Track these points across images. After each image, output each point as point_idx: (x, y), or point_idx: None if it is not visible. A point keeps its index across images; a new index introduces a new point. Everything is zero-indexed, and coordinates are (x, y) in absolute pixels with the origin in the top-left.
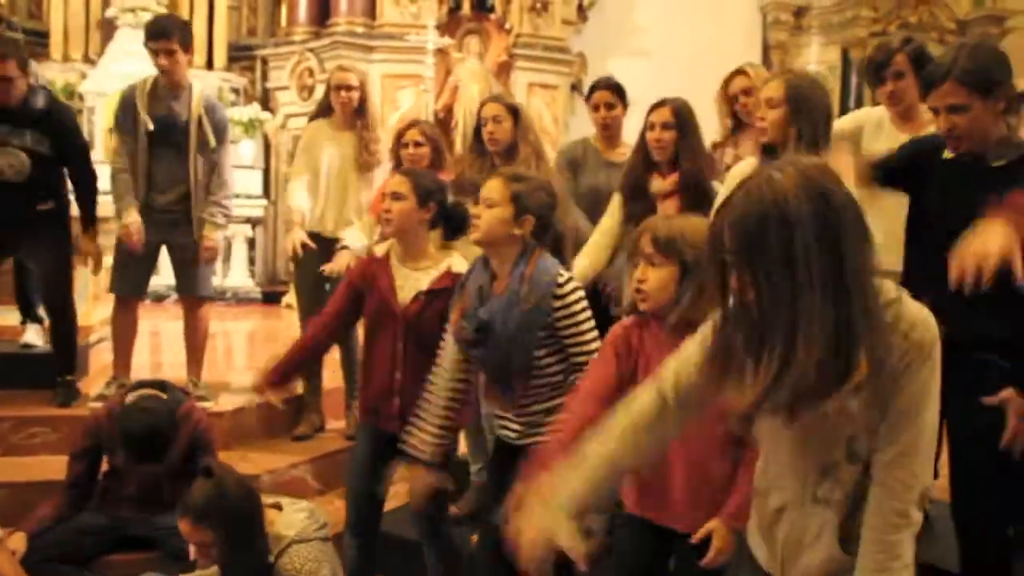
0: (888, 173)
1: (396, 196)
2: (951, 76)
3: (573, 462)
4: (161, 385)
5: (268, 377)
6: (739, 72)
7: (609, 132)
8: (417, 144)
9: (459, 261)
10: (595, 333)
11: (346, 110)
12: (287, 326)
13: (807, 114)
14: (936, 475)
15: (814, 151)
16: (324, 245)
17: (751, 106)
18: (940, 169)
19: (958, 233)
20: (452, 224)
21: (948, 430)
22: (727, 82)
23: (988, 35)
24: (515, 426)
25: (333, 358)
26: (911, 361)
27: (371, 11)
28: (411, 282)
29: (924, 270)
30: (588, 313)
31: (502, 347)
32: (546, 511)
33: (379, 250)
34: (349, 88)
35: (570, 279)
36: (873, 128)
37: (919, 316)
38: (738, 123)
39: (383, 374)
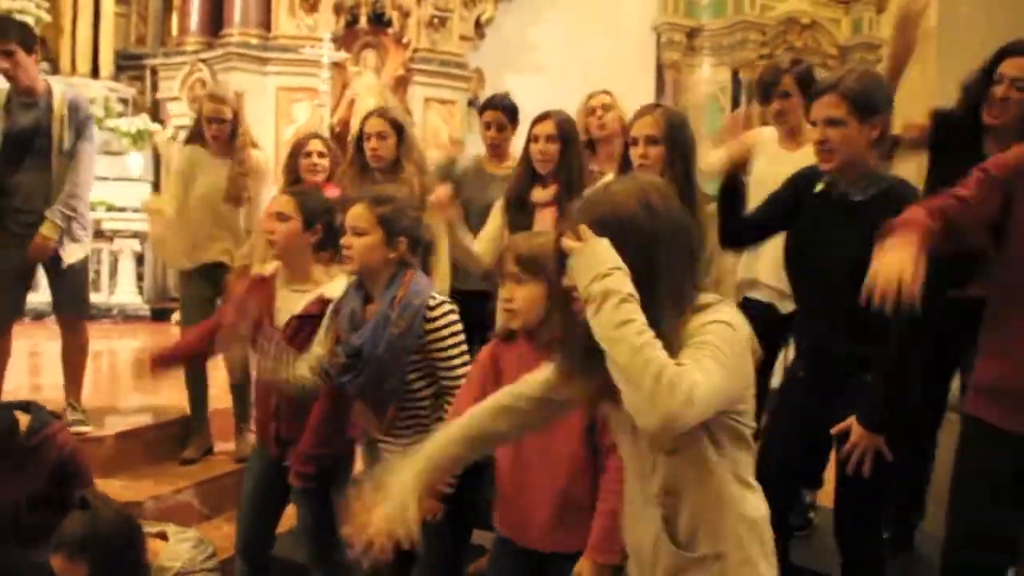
0: (759, 229)
1: (281, 217)
2: (835, 90)
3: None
4: (25, 406)
5: (151, 360)
6: (600, 92)
7: (498, 151)
8: (320, 155)
9: (334, 287)
10: (465, 358)
11: (219, 142)
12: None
13: (681, 149)
14: (820, 483)
15: (688, 186)
16: (207, 270)
17: (606, 121)
18: (810, 202)
19: (824, 264)
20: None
21: (835, 444)
22: (587, 98)
23: (865, 60)
24: (394, 449)
25: (221, 377)
26: (697, 336)
27: (266, 22)
28: (289, 305)
29: (800, 293)
30: (459, 337)
31: (373, 371)
32: (391, 499)
33: (267, 269)
34: (221, 121)
35: (442, 303)
36: (762, 144)
37: (715, 319)
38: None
39: (264, 398)
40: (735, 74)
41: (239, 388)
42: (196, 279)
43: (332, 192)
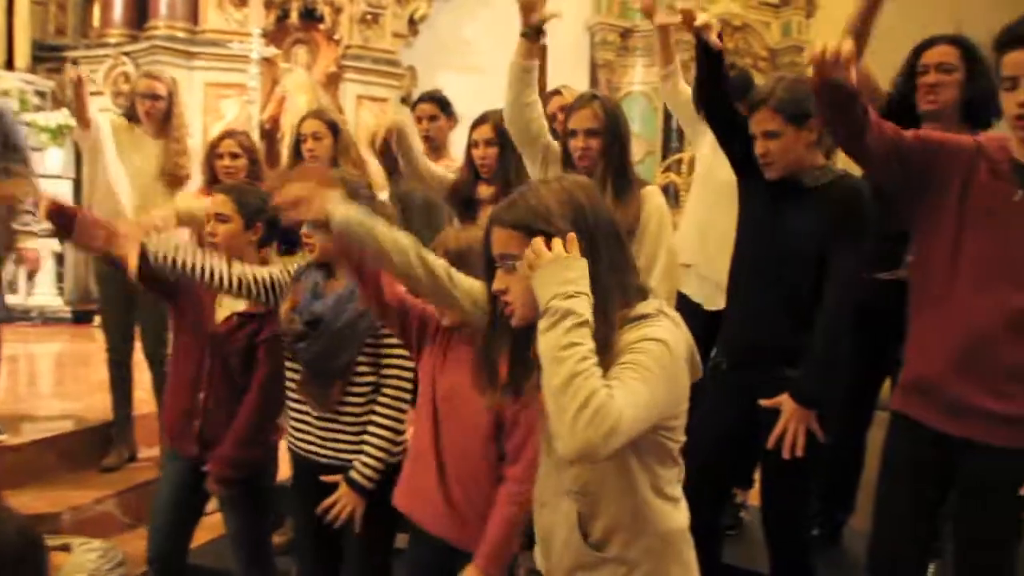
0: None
1: (220, 218)
2: (767, 104)
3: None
4: None
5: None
6: (555, 92)
7: (433, 144)
8: (233, 156)
9: None
10: (408, 363)
11: (152, 119)
12: (100, 348)
13: (620, 139)
14: (751, 483)
15: (625, 175)
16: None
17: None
18: (764, 188)
19: (777, 248)
20: (286, 239)
21: (757, 441)
22: (544, 102)
23: (794, 63)
24: (315, 437)
25: (146, 379)
26: (627, 351)
27: (193, 16)
28: (230, 301)
29: (737, 283)
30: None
31: (328, 343)
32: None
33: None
34: (156, 97)
35: None
36: (707, 145)
37: (660, 330)
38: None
39: (186, 394)
40: None
41: (163, 387)
42: (115, 278)
43: None
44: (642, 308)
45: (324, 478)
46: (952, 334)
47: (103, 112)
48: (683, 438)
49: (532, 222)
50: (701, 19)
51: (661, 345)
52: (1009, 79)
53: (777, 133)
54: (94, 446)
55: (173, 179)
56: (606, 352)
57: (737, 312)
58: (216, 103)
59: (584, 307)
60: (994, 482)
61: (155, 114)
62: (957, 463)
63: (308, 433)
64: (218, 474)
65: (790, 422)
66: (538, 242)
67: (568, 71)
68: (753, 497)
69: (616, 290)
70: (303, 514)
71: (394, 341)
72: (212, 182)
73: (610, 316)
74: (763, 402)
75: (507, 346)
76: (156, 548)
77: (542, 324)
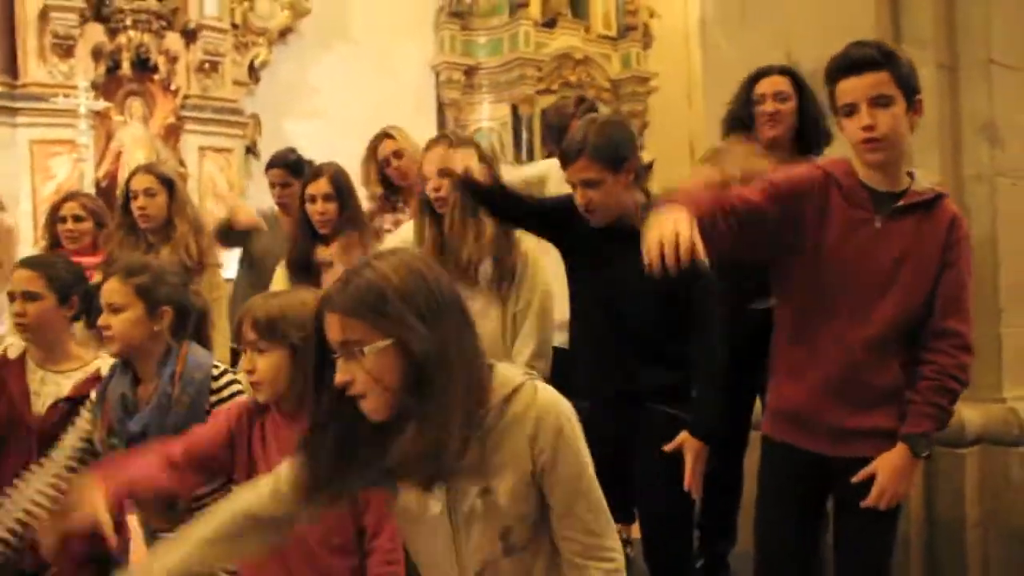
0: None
1: (28, 296)
2: (584, 153)
3: (171, 542)
4: None
5: None
6: (385, 135)
7: (288, 210)
8: (76, 219)
9: (108, 362)
10: None
11: None
12: None
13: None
14: (633, 518)
15: (475, 215)
16: None
17: (404, 168)
18: (588, 234)
19: (608, 294)
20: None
21: (633, 478)
22: (374, 147)
23: (636, 93)
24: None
25: None
26: (554, 451)
27: (12, 69)
28: (50, 387)
29: (584, 329)
30: None
31: None
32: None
33: (11, 351)
34: None
35: (225, 371)
36: (557, 180)
37: (546, 402)
38: (390, 186)
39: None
40: (515, 110)
41: None
42: None
43: (95, 260)
44: (507, 379)
45: None
46: (822, 363)
47: None
48: None
49: (372, 304)
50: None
51: (569, 425)
52: (847, 106)
53: (596, 182)
54: None
55: None
56: (476, 433)
57: (590, 358)
58: (45, 161)
59: None
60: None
61: None
62: (835, 480)
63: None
64: None
65: (697, 459)
66: None
67: (415, 113)
68: (636, 531)
69: (471, 373)
70: None
71: None
72: (53, 247)
73: (476, 395)
74: (667, 447)
75: (333, 444)
76: None
77: None
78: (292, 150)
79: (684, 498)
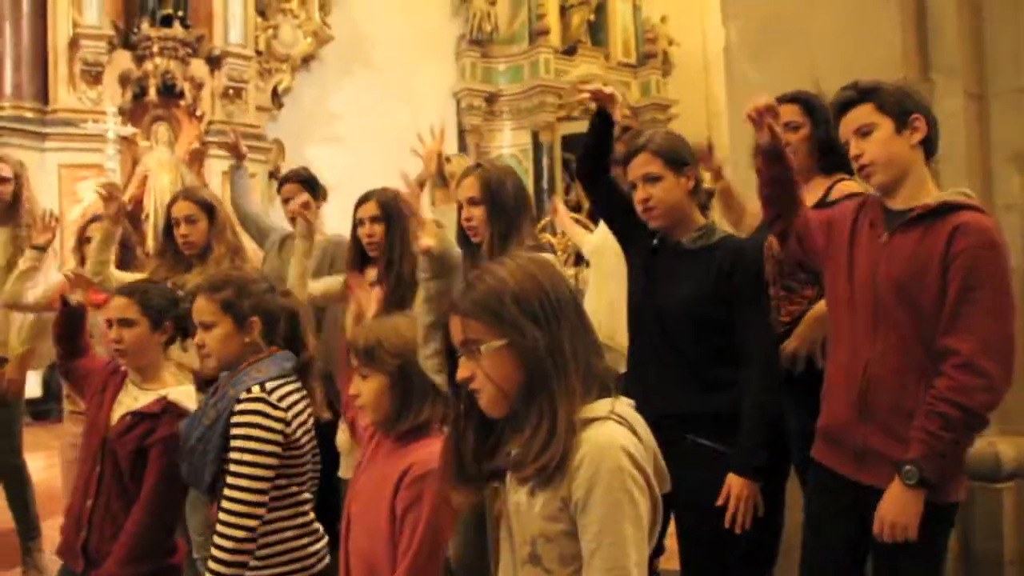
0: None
1: (124, 323)
2: (647, 148)
3: None
4: None
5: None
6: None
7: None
8: None
9: (180, 391)
10: (254, 470)
11: None
12: None
13: (501, 206)
14: (663, 550)
15: (508, 243)
16: None
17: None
18: (647, 257)
19: (666, 314)
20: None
21: (673, 511)
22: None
23: (656, 120)
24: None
25: None
26: (588, 491)
27: (43, 95)
28: (129, 401)
29: (633, 349)
30: (253, 443)
31: (191, 461)
32: None
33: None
34: (1, 180)
35: (258, 398)
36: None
37: (603, 442)
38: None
39: (77, 500)
40: (535, 136)
41: (17, 498)
42: None
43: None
44: (593, 409)
45: None
46: (847, 379)
47: None
48: None
49: (489, 306)
50: (608, 90)
51: (620, 473)
52: (845, 143)
53: (657, 177)
54: None
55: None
56: (560, 469)
57: (635, 382)
58: (73, 185)
59: None
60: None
61: (1, 199)
62: (870, 508)
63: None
64: None
65: (740, 499)
66: None
67: None
68: (667, 561)
69: (579, 381)
70: None
71: (235, 455)
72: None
73: (571, 414)
74: (719, 502)
75: (476, 437)
76: None
77: None
78: (305, 168)
79: (725, 538)
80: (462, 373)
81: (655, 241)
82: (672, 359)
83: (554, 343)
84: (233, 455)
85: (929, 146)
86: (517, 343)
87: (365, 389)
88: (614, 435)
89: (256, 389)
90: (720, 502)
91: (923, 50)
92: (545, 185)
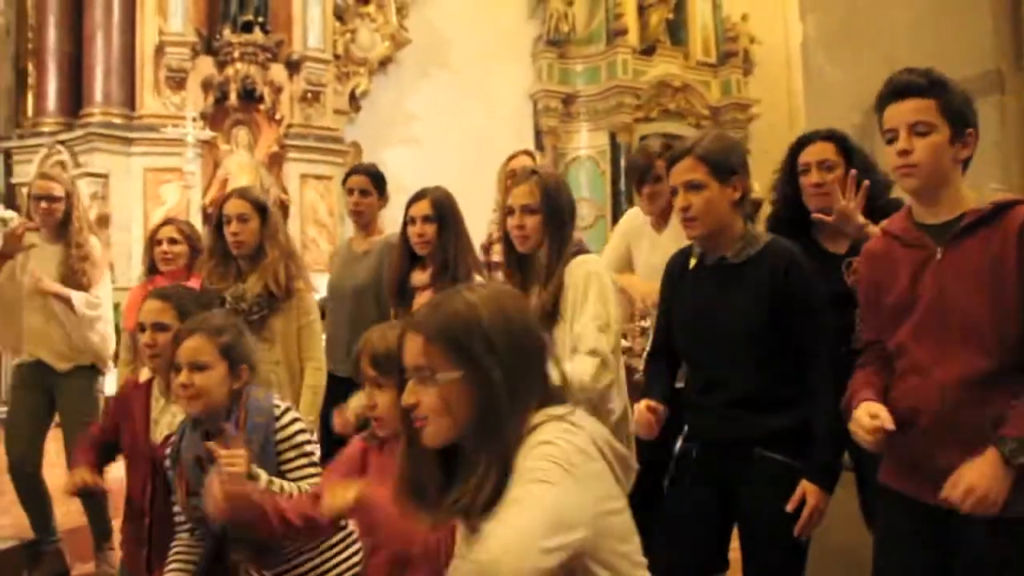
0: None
1: (158, 327)
2: (692, 153)
3: None
4: None
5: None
6: (525, 152)
7: (362, 219)
8: (172, 241)
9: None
10: (316, 468)
11: (48, 223)
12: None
13: (558, 216)
14: (727, 564)
15: (562, 254)
16: (40, 372)
17: None
18: (689, 275)
19: (719, 332)
20: None
21: (740, 525)
22: (510, 158)
23: (736, 120)
24: None
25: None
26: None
27: (130, 101)
28: (168, 417)
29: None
30: (311, 446)
31: None
32: None
33: (142, 375)
34: (51, 199)
35: (287, 410)
36: (636, 233)
37: (546, 436)
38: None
39: (135, 521)
40: (612, 137)
41: (91, 500)
42: (24, 382)
43: (194, 282)
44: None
45: None
46: (925, 405)
47: None
48: (642, 560)
49: (455, 335)
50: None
51: (562, 448)
52: (889, 131)
53: (700, 185)
54: (14, 568)
55: (76, 289)
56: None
57: (697, 402)
58: (156, 189)
59: None
60: (995, 558)
61: (51, 217)
62: (955, 535)
63: None
64: None
65: (812, 508)
66: None
67: (512, 141)
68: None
69: (530, 418)
70: None
71: (295, 463)
72: (151, 271)
73: (520, 430)
74: (789, 507)
75: (433, 462)
76: None
77: None
78: (374, 164)
79: (794, 552)
80: (408, 399)
81: (693, 261)
82: (729, 378)
83: (514, 384)
84: (297, 461)
85: (966, 164)
86: (477, 380)
87: (381, 399)
88: (553, 431)
89: (281, 404)
90: (791, 508)
91: (1018, 41)
92: (623, 187)
